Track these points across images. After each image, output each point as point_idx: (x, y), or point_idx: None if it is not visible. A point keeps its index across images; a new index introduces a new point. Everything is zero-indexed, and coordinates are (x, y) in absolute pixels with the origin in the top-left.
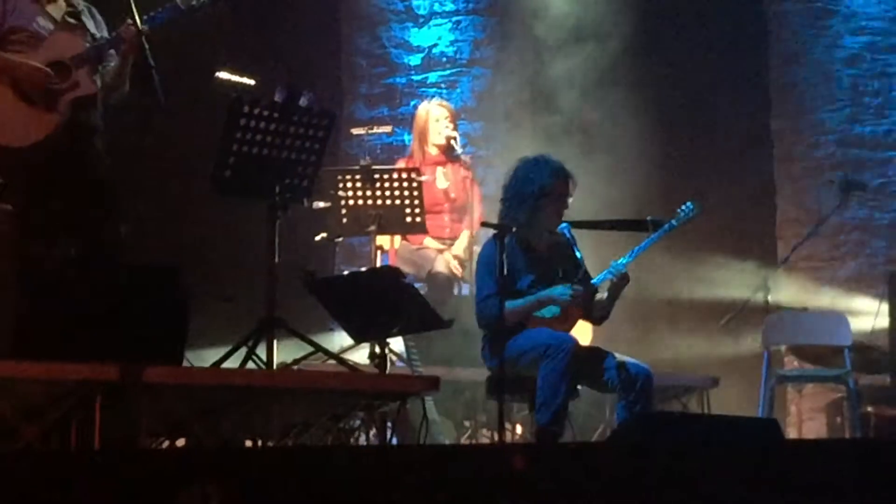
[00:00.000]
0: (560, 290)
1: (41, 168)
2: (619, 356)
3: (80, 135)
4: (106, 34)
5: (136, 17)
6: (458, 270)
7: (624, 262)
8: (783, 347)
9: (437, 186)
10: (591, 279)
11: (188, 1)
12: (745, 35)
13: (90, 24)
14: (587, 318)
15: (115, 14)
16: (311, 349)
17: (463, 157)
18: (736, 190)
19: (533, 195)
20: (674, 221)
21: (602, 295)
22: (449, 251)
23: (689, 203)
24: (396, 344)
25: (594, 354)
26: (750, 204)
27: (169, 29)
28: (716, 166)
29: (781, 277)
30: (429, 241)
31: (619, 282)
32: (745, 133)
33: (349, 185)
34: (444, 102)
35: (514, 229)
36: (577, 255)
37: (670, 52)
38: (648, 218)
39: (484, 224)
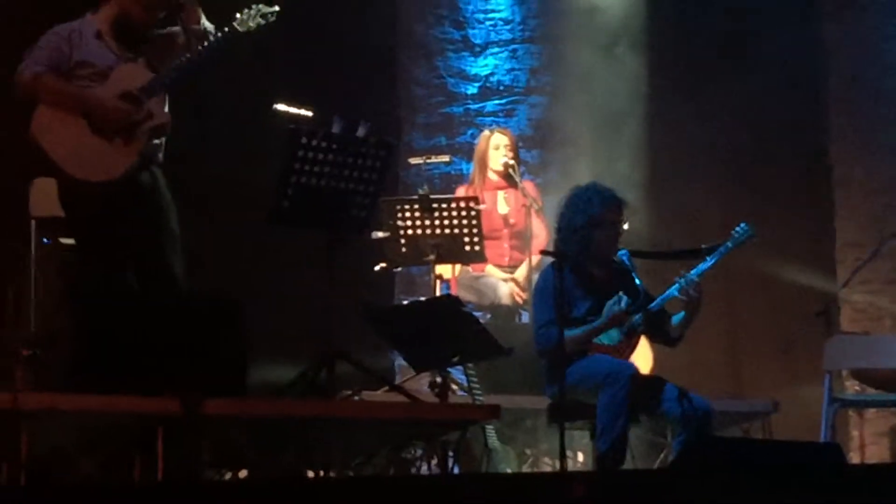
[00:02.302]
0: (607, 311)
1: (108, 199)
2: (681, 388)
3: (146, 165)
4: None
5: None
6: (520, 298)
7: (683, 281)
8: (845, 371)
9: (498, 212)
10: (653, 304)
11: (245, 22)
12: (803, 58)
13: (151, 53)
14: (659, 341)
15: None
16: (371, 379)
17: (523, 183)
18: (795, 213)
19: (585, 225)
20: (729, 243)
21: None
22: (512, 280)
23: (743, 224)
24: (457, 372)
25: (654, 384)
26: (809, 227)
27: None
28: (774, 189)
29: (842, 301)
30: (491, 269)
31: (694, 293)
32: (803, 156)
33: (407, 214)
34: (506, 130)
35: (570, 257)
36: (637, 282)
37: (728, 77)
38: (703, 246)
39: (543, 252)
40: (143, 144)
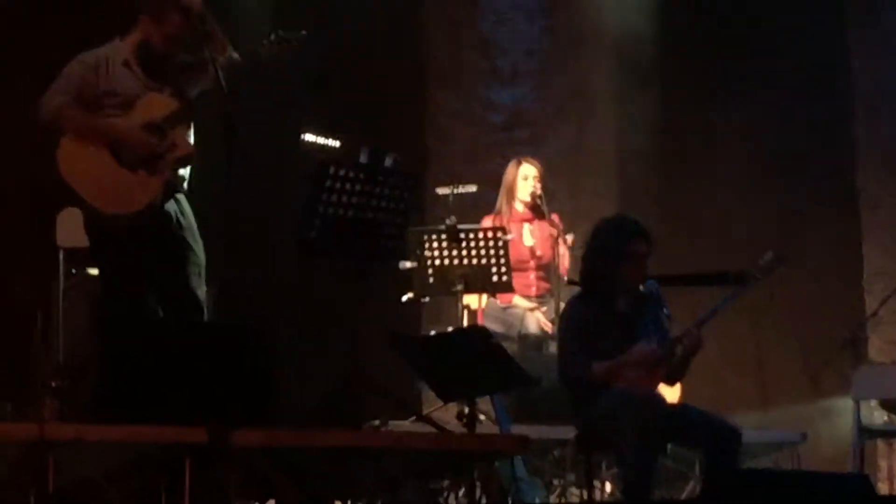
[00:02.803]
0: (636, 349)
1: (132, 230)
2: (708, 414)
3: (171, 195)
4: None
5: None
6: (548, 327)
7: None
8: (873, 401)
9: (524, 244)
10: (670, 340)
11: (271, 48)
12: (829, 85)
13: (177, 81)
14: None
15: None
16: (398, 409)
17: (553, 214)
18: (821, 241)
19: (611, 257)
20: (757, 274)
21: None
22: (539, 310)
23: (770, 252)
24: (484, 403)
25: (682, 412)
26: (836, 255)
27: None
28: (801, 217)
29: (871, 331)
30: (517, 300)
31: (694, 345)
32: (830, 183)
33: (435, 244)
34: (534, 160)
35: (595, 288)
36: (665, 312)
37: (751, 103)
38: (731, 271)
39: (570, 282)
40: (166, 176)
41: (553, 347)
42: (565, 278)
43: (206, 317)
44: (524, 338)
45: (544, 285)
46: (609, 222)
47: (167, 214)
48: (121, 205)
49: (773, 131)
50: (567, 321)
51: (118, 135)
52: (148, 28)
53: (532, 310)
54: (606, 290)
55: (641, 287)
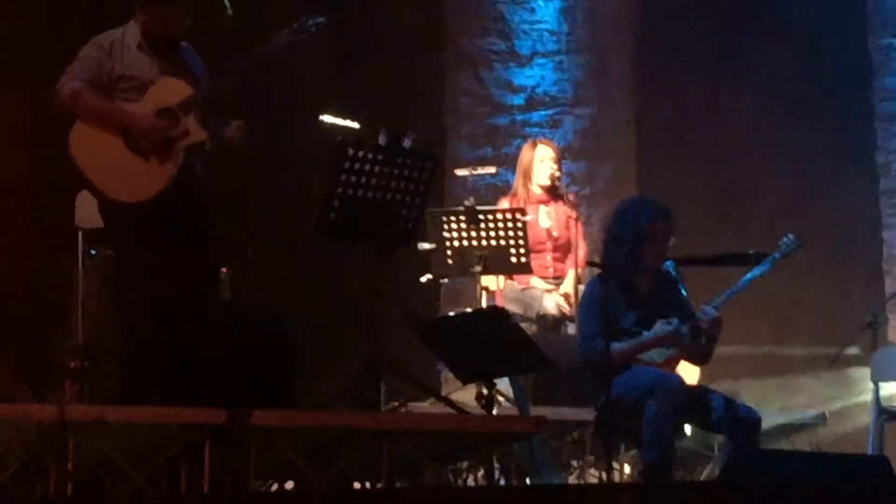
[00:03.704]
0: (657, 329)
1: (147, 213)
2: (728, 397)
3: (187, 181)
4: (203, 71)
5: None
6: (566, 309)
7: (717, 303)
8: (893, 383)
9: (541, 226)
10: (689, 322)
11: (290, 37)
12: (848, 70)
13: (194, 67)
14: (690, 359)
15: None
16: (418, 390)
17: (567, 196)
18: (841, 225)
19: (633, 238)
20: (776, 254)
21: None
22: (557, 291)
23: (789, 235)
24: (503, 384)
25: (702, 394)
26: (856, 239)
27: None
28: (821, 200)
29: (890, 312)
30: (535, 281)
31: (713, 327)
32: (850, 166)
33: (454, 226)
34: (550, 142)
35: (616, 270)
36: (682, 292)
37: (772, 88)
38: (751, 251)
39: (589, 263)
40: (178, 163)
41: (571, 329)
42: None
43: (225, 300)
44: (542, 319)
45: (561, 266)
46: (632, 203)
47: (183, 198)
48: (130, 192)
49: (793, 113)
50: (587, 302)
51: (130, 121)
52: (140, 13)
53: (549, 291)
54: (628, 270)
55: (660, 268)
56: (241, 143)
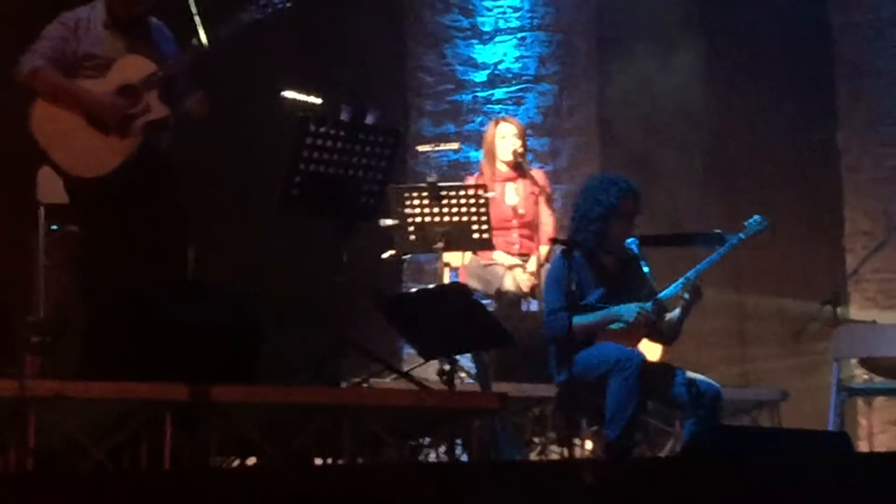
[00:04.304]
0: (627, 309)
1: (110, 190)
2: (689, 373)
3: (150, 157)
4: (173, 48)
5: (202, 37)
6: (525, 286)
7: (691, 276)
8: (853, 360)
9: (506, 203)
10: (659, 295)
11: (254, 15)
12: (809, 47)
13: (160, 43)
14: (656, 339)
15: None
16: (379, 366)
17: (532, 172)
18: (803, 202)
19: (601, 215)
20: (742, 234)
21: (672, 314)
22: (519, 269)
23: (756, 216)
24: (465, 361)
25: (663, 370)
26: (818, 216)
27: (235, 45)
28: (783, 179)
29: (851, 290)
30: (498, 256)
31: (692, 295)
32: (811, 145)
33: (416, 202)
34: (513, 119)
35: (582, 246)
36: (645, 270)
37: (734, 66)
38: (717, 231)
39: (554, 241)
40: (139, 139)
41: (532, 306)
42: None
43: (189, 277)
44: (502, 295)
45: (528, 244)
46: (600, 180)
47: (146, 175)
48: (90, 168)
49: (754, 91)
50: (552, 279)
51: (89, 98)
52: None
53: (511, 268)
54: (595, 247)
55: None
56: (199, 115)
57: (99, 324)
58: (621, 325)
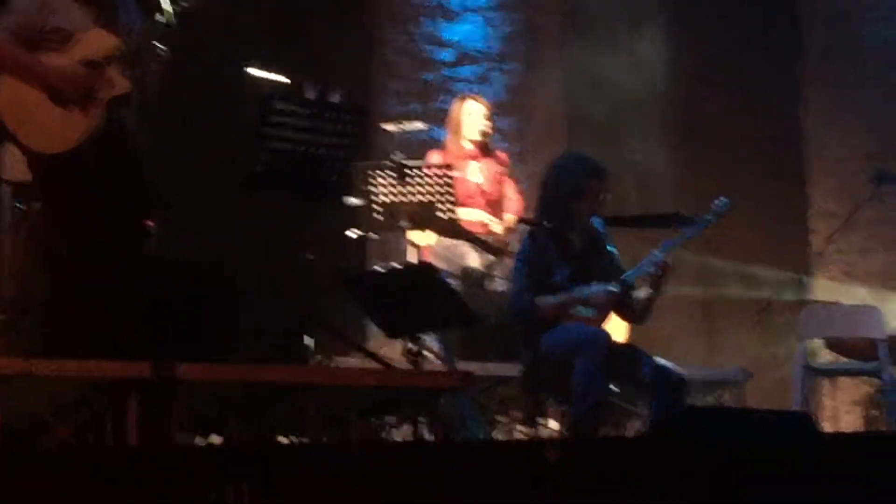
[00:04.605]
0: (595, 289)
1: (75, 166)
2: (656, 359)
3: (113, 133)
4: (139, 21)
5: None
6: (490, 264)
7: (658, 255)
8: (818, 341)
9: (471, 180)
10: (626, 274)
11: None
12: (776, 29)
13: (126, 15)
14: (628, 317)
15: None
16: (344, 345)
17: (498, 151)
18: (769, 183)
19: (568, 195)
20: (709, 216)
21: (640, 293)
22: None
23: (723, 198)
24: (430, 340)
25: (629, 353)
26: (783, 197)
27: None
28: (748, 160)
29: (816, 270)
30: (467, 213)
31: (662, 273)
32: (777, 126)
33: (381, 181)
34: (480, 98)
35: (549, 226)
36: (610, 249)
37: (702, 47)
38: (681, 213)
39: (521, 220)
40: (101, 113)
41: (497, 285)
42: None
43: (153, 254)
44: (467, 274)
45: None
46: (567, 159)
47: (112, 153)
48: (51, 143)
49: (719, 71)
50: (519, 258)
51: (50, 72)
52: None
53: (485, 225)
54: (561, 226)
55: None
56: (157, 85)
57: (63, 301)
58: (589, 310)
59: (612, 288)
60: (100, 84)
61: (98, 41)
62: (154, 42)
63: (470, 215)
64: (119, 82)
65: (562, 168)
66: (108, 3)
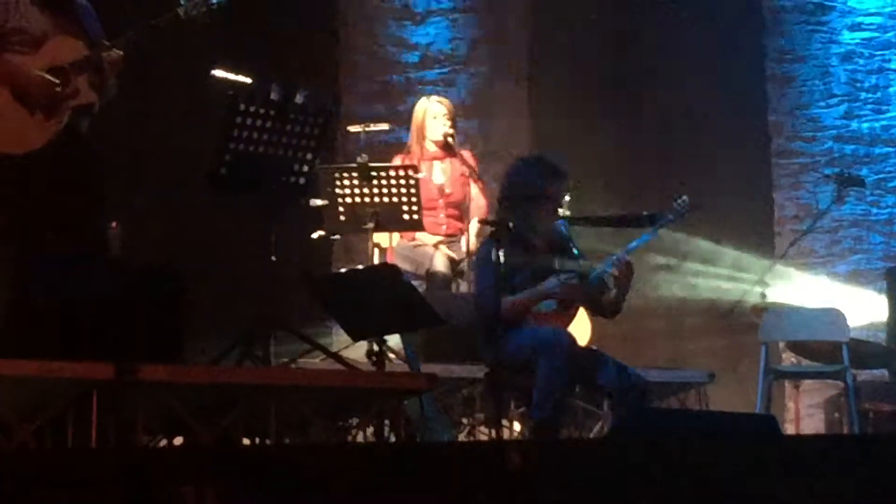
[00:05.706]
0: (552, 283)
1: (35, 171)
2: (619, 362)
3: (72, 140)
4: (99, 29)
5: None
6: (447, 265)
7: (621, 255)
8: (781, 343)
9: (434, 182)
10: (592, 272)
11: (190, 10)
12: (740, 31)
13: (87, 23)
14: (597, 312)
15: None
16: (308, 347)
17: (462, 153)
18: (733, 186)
19: (528, 197)
20: (670, 216)
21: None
22: (446, 247)
23: (684, 197)
24: (394, 341)
25: (592, 356)
26: (747, 200)
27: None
28: (712, 162)
29: (779, 273)
30: (425, 238)
31: (624, 271)
32: (741, 129)
33: (346, 182)
34: (443, 99)
35: (511, 227)
36: (575, 250)
37: (665, 48)
38: (644, 213)
39: (482, 222)
40: (64, 120)
41: (462, 287)
42: (475, 219)
43: (114, 256)
44: (432, 276)
45: (456, 224)
46: (528, 162)
47: (72, 158)
48: (11, 145)
49: (685, 75)
50: (482, 260)
51: (16, 73)
52: None
53: (437, 245)
54: (522, 229)
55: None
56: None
57: (23, 303)
58: (551, 303)
59: (565, 279)
60: (67, 91)
61: (64, 48)
62: (107, 42)
63: (425, 238)
64: (85, 92)
65: (520, 171)
66: (69, 10)
